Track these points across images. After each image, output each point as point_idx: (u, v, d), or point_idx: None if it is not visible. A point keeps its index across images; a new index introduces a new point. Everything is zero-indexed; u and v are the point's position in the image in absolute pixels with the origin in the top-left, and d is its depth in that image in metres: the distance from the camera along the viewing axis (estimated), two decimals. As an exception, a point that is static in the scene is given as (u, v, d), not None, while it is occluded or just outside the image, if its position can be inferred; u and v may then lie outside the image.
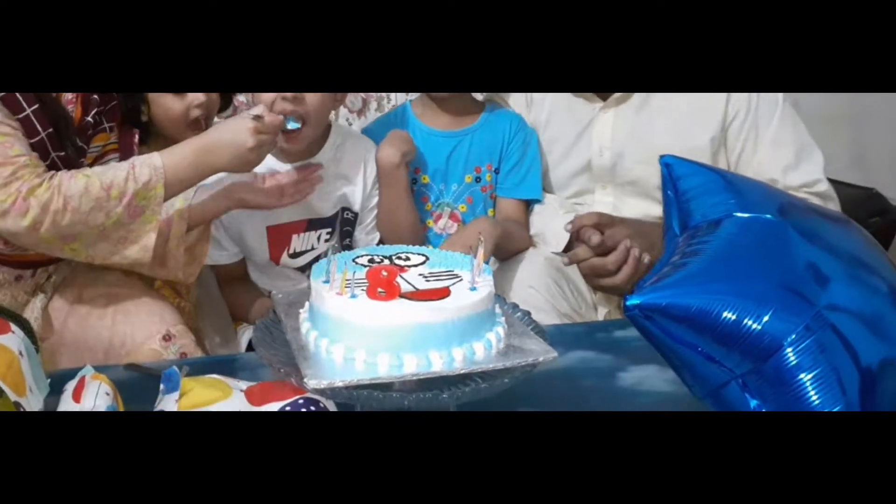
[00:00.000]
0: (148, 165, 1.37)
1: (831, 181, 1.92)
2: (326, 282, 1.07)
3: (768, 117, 1.65)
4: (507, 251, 1.72)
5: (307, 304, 1.13)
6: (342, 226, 1.72)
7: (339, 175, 1.69)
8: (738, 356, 0.98)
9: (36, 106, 1.36)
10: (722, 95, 1.64)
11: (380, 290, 1.02)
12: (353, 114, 2.23)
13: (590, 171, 1.74)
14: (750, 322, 0.96)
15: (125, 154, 1.55)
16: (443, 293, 1.04)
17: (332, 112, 1.86)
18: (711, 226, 1.05)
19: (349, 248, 1.74)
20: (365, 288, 1.04)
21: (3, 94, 1.33)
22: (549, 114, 1.78)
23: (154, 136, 1.63)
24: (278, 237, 1.67)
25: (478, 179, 1.80)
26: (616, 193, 1.73)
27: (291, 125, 1.52)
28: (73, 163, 1.42)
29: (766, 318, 0.97)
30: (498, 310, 1.12)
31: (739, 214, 1.06)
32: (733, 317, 0.95)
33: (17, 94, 1.34)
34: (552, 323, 1.50)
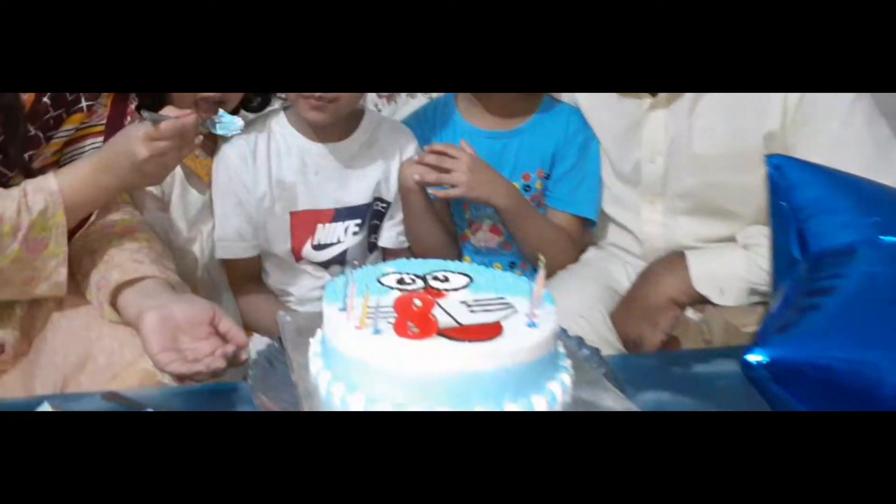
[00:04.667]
0: (42, 191, 1.19)
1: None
2: (343, 309, 0.84)
3: (827, 112, 1.30)
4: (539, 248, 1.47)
5: (319, 333, 0.90)
6: (372, 218, 1.55)
7: (372, 160, 1.53)
8: None
9: None
10: None
11: (411, 325, 0.78)
12: (383, 99, 1.98)
13: (637, 182, 1.47)
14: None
15: (113, 131, 1.32)
16: (493, 331, 0.80)
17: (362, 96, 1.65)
18: (844, 253, 0.81)
19: (374, 245, 1.57)
20: (392, 320, 0.80)
21: None
22: (585, 115, 1.53)
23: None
24: (302, 225, 1.52)
25: (526, 188, 1.55)
26: (665, 211, 1.45)
27: (227, 128, 1.28)
28: (16, 161, 1.24)
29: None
30: (561, 348, 0.88)
31: (881, 238, 0.81)
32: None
33: None
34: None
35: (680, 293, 1.30)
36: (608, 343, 1.33)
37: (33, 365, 1.30)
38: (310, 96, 1.39)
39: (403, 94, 1.93)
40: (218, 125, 1.27)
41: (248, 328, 1.52)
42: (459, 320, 0.82)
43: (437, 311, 0.82)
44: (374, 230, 1.56)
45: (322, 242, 1.52)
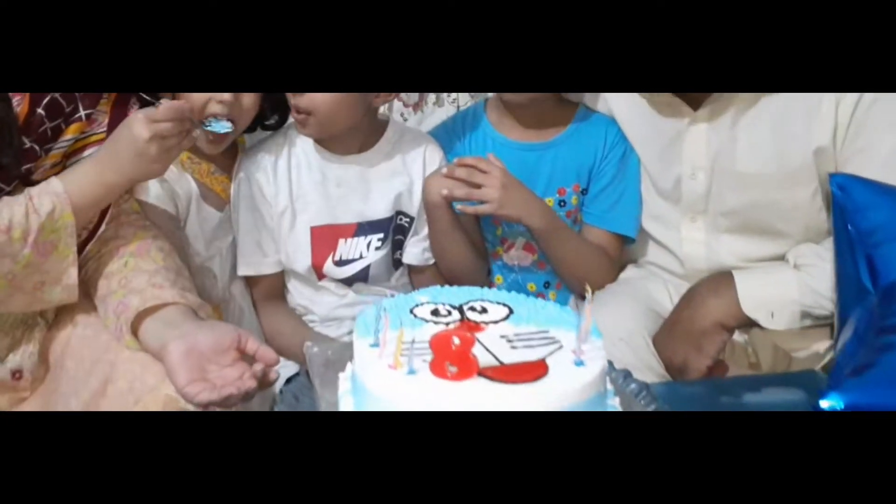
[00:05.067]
0: (48, 193, 1.16)
1: None
2: (375, 345, 0.78)
3: (884, 124, 1.22)
4: (569, 270, 1.44)
5: (349, 368, 0.84)
6: (395, 233, 1.48)
7: (394, 172, 1.46)
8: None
9: None
10: (831, 96, 1.23)
11: (450, 365, 0.73)
12: (409, 108, 1.90)
13: (677, 199, 1.39)
14: None
15: None
16: (538, 370, 0.74)
17: (386, 106, 1.59)
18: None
19: (399, 262, 1.50)
20: (428, 358, 0.75)
21: None
22: (623, 129, 1.46)
23: None
24: (323, 240, 1.46)
25: (562, 203, 1.47)
26: (708, 229, 1.37)
27: (217, 127, 1.32)
28: (12, 173, 1.19)
29: None
30: (609, 384, 0.82)
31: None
32: None
33: None
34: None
35: (727, 316, 1.23)
36: (651, 369, 1.26)
37: (52, 392, 1.26)
38: (292, 108, 1.35)
39: (430, 104, 1.88)
40: (208, 126, 1.31)
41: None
42: (501, 358, 0.76)
43: (476, 348, 0.76)
44: (399, 246, 1.50)
45: (344, 258, 1.46)
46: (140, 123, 1.15)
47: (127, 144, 1.16)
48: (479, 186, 1.34)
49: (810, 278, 1.18)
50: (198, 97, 1.30)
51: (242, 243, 1.44)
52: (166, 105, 1.16)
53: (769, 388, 1.06)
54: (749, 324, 1.23)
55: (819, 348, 1.22)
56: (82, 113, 1.25)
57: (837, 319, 0.86)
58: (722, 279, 1.25)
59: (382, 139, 1.45)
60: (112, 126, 1.28)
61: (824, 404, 0.67)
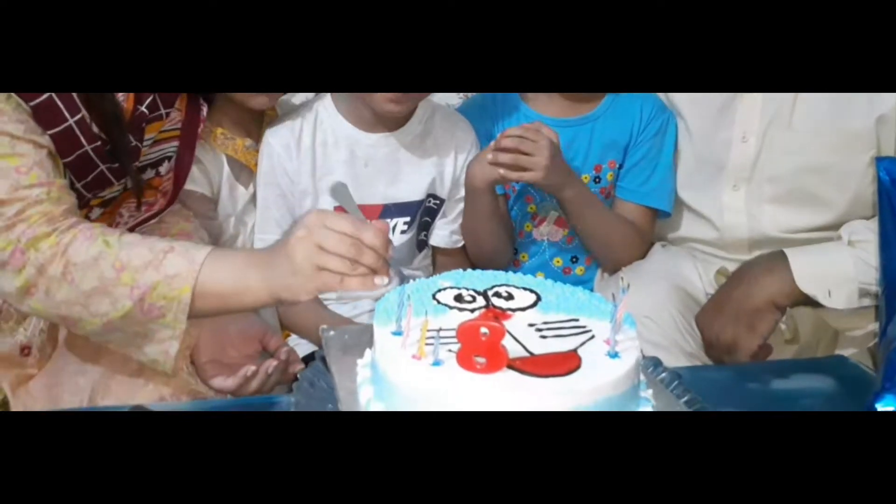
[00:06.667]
0: (184, 256, 1.02)
1: None
2: (398, 333, 0.75)
3: None
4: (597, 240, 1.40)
5: (368, 354, 0.81)
6: (422, 215, 1.44)
7: (426, 154, 1.43)
8: None
9: (80, 115, 1.06)
10: None
11: (478, 358, 0.69)
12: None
13: (722, 166, 1.35)
14: None
15: (188, 137, 1.26)
16: (570, 362, 0.71)
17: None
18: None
19: (423, 243, 1.46)
20: (454, 349, 0.71)
21: (40, 100, 1.03)
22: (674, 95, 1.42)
23: (221, 102, 1.35)
24: None
25: (597, 179, 1.44)
26: (749, 198, 1.34)
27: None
28: (125, 172, 1.14)
29: None
30: (641, 376, 0.78)
31: None
32: None
33: (59, 101, 1.05)
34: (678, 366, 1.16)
35: (781, 295, 1.19)
36: (679, 347, 1.23)
37: (60, 371, 1.23)
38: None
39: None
40: None
41: (286, 329, 1.44)
42: (531, 349, 0.72)
43: (505, 338, 0.72)
44: (425, 227, 1.46)
45: None
46: (312, 220, 0.95)
47: (289, 240, 0.98)
48: (526, 155, 1.29)
49: (866, 254, 1.15)
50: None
51: (261, 219, 1.40)
52: (353, 215, 0.97)
53: (797, 374, 1.03)
54: (804, 302, 1.19)
55: (876, 328, 1.19)
56: (163, 111, 1.20)
57: (883, 313, 0.83)
58: (775, 258, 1.21)
59: (414, 117, 1.41)
60: (186, 124, 1.25)
61: (882, 409, 0.63)
